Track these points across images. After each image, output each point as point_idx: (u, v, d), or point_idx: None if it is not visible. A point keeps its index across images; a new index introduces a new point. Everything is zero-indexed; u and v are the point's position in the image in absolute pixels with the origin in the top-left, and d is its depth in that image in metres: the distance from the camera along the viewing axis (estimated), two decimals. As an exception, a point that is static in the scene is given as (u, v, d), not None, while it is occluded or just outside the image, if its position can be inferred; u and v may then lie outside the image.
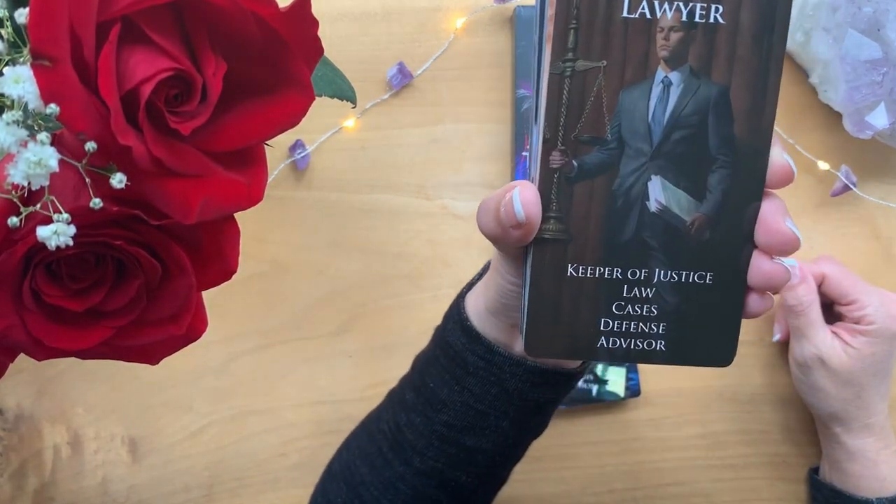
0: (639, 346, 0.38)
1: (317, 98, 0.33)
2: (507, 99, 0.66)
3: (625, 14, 0.34)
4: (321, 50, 0.32)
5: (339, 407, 0.66)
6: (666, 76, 0.35)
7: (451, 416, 0.46)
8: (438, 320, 0.49)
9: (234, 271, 0.34)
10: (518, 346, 0.44)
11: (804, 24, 0.62)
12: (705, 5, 0.34)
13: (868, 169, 0.67)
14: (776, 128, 0.35)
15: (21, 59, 0.27)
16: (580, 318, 0.37)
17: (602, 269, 0.37)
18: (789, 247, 0.35)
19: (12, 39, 0.28)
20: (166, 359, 0.36)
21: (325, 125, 0.65)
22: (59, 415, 0.65)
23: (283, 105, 0.32)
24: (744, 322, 0.37)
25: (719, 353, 0.38)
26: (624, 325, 0.37)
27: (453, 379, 0.46)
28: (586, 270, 0.37)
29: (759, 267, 0.36)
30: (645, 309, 0.37)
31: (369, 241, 0.66)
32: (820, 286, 0.62)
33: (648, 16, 0.34)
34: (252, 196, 0.33)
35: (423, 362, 0.49)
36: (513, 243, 0.37)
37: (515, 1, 0.64)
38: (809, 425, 0.67)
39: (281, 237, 0.66)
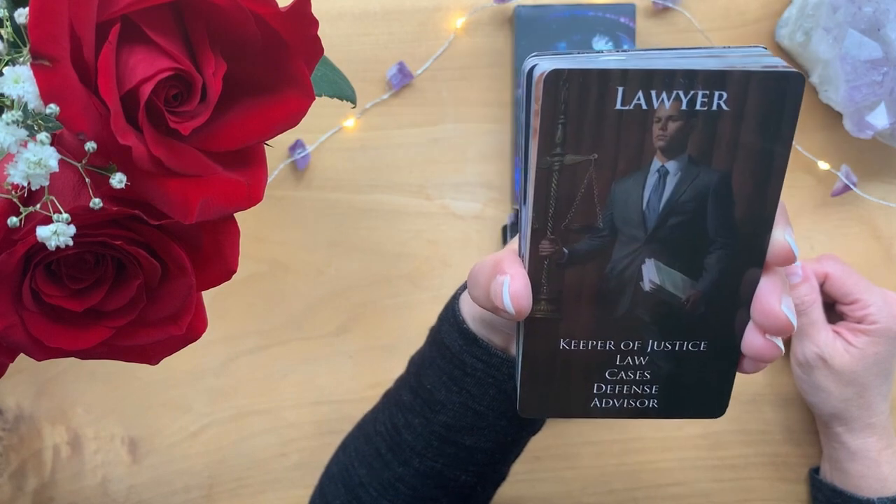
0: (632, 404, 0.38)
1: (317, 98, 0.33)
2: (507, 99, 0.66)
3: (618, 106, 0.32)
4: (321, 50, 0.32)
5: (339, 407, 0.66)
6: (662, 166, 0.33)
7: (450, 416, 0.46)
8: (438, 320, 0.49)
9: (234, 271, 0.34)
10: (513, 347, 0.44)
11: (804, 24, 0.62)
12: (707, 93, 0.31)
13: (868, 169, 0.67)
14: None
15: (21, 59, 0.27)
16: (573, 383, 0.37)
17: (595, 342, 0.36)
18: (782, 331, 0.35)
19: (12, 39, 0.28)
20: (166, 359, 0.35)
21: (325, 125, 0.65)
22: (59, 415, 0.65)
23: (283, 105, 0.32)
24: None
25: (712, 407, 0.38)
26: (617, 388, 0.37)
27: (451, 380, 0.46)
28: (578, 344, 0.36)
29: (752, 342, 0.36)
30: (638, 374, 0.37)
31: (369, 241, 0.66)
32: (822, 285, 0.62)
33: (644, 107, 0.32)
34: (252, 196, 0.32)
35: (419, 364, 0.49)
36: (503, 321, 0.37)
37: (515, 0, 0.64)
38: (810, 425, 0.67)
39: (281, 237, 0.66)
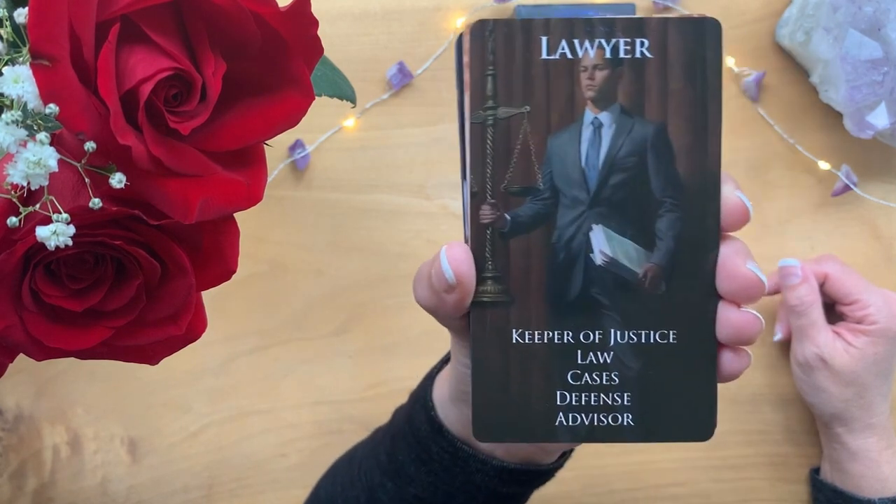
0: (603, 421, 0.34)
1: (317, 98, 0.33)
2: (508, 99, 0.65)
3: (544, 56, 0.32)
4: (321, 49, 0.32)
5: (338, 407, 0.66)
6: (595, 117, 0.32)
7: (420, 490, 0.45)
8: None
9: (234, 271, 0.34)
10: None
11: (805, 24, 0.62)
12: (629, 40, 0.32)
13: (869, 169, 0.67)
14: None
15: (20, 59, 0.27)
16: (532, 393, 0.34)
17: (550, 334, 0.33)
18: (753, 291, 0.32)
19: (12, 39, 0.28)
20: (166, 359, 0.35)
21: (324, 125, 0.65)
22: (59, 415, 0.65)
23: (282, 105, 0.32)
24: None
25: (697, 425, 0.34)
26: (584, 398, 0.34)
27: (420, 460, 0.44)
28: (533, 336, 0.34)
29: (727, 318, 0.33)
30: (605, 377, 0.34)
31: (369, 241, 0.66)
32: (822, 286, 0.62)
33: (569, 56, 0.32)
34: (252, 196, 0.32)
35: (397, 427, 0.47)
36: (451, 312, 0.34)
37: (515, 0, 0.64)
38: (810, 426, 0.67)
39: (281, 237, 0.66)
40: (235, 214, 0.33)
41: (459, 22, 0.65)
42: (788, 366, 0.65)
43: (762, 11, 0.66)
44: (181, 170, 0.30)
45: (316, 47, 0.32)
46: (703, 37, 0.32)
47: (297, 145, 0.65)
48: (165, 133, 0.30)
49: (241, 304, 0.66)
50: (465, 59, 0.32)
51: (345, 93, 0.49)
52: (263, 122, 0.32)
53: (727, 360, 0.33)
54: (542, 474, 0.44)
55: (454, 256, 0.33)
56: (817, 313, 0.61)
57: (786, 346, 0.66)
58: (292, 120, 0.33)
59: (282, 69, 0.32)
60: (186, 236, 0.33)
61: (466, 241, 0.34)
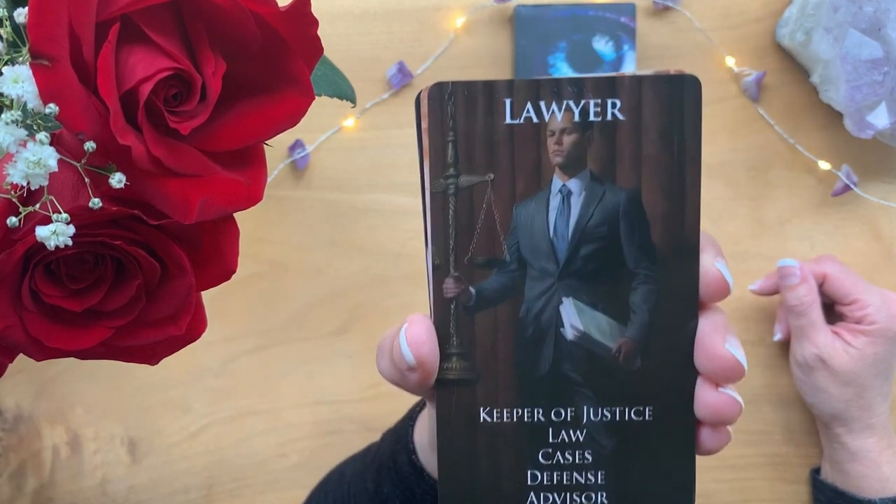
0: (576, 500, 0.32)
1: (316, 98, 0.33)
2: (508, 99, 0.65)
3: (508, 120, 0.30)
4: (321, 49, 0.32)
5: (338, 407, 0.66)
6: (564, 185, 0.31)
7: None
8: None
9: (234, 271, 0.34)
10: None
11: (805, 24, 0.62)
12: (599, 101, 0.30)
13: (869, 169, 0.67)
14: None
15: (20, 59, 0.27)
16: (502, 473, 0.32)
17: (520, 412, 0.32)
18: (732, 373, 0.31)
19: (11, 39, 0.28)
20: (166, 359, 0.35)
21: (324, 125, 0.65)
22: (59, 415, 0.65)
23: (282, 105, 0.32)
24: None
25: (674, 502, 0.32)
26: (556, 477, 0.32)
27: (404, 497, 0.44)
28: (502, 414, 0.32)
29: (704, 399, 0.31)
30: (578, 455, 0.32)
31: (369, 241, 0.66)
32: (821, 286, 0.62)
33: (535, 119, 0.30)
34: (252, 196, 0.32)
35: (381, 461, 0.46)
36: (415, 390, 0.32)
37: (515, 0, 0.64)
38: (810, 426, 0.67)
39: (280, 237, 0.66)
40: (235, 214, 0.33)
41: (459, 22, 0.65)
42: (788, 366, 0.65)
43: (762, 11, 0.66)
44: (181, 170, 0.30)
45: (316, 47, 0.32)
46: (680, 95, 0.30)
47: (297, 145, 0.65)
48: (165, 133, 0.30)
49: (241, 304, 0.66)
50: (424, 124, 0.31)
51: (345, 93, 0.49)
52: (263, 122, 0.32)
53: (706, 437, 0.32)
54: None
55: (414, 337, 0.31)
56: (816, 313, 0.61)
57: (785, 345, 0.66)
58: (292, 120, 0.33)
59: (282, 69, 0.32)
60: (186, 236, 0.33)
61: (431, 313, 0.32)
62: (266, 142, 0.33)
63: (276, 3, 0.30)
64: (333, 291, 0.66)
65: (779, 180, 0.67)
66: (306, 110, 0.33)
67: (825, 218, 0.67)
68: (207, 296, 0.36)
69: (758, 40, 0.66)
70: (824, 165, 0.66)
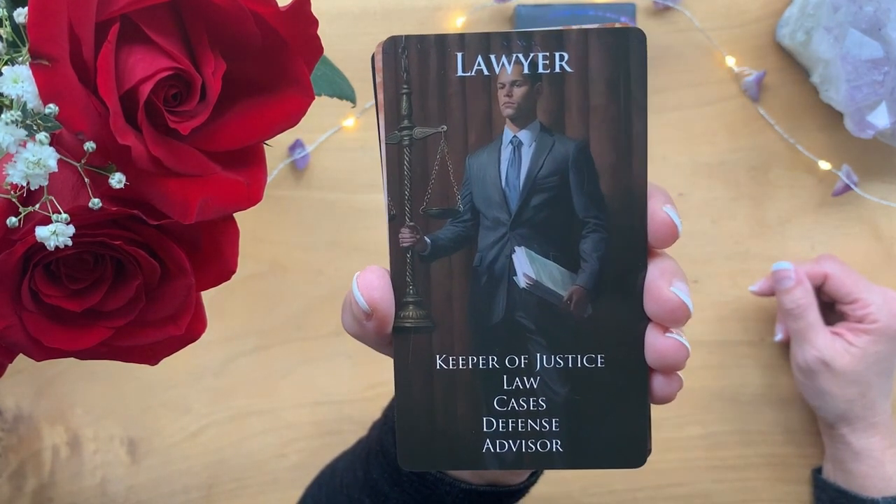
0: (531, 447, 0.33)
1: (316, 97, 0.33)
2: (508, 98, 0.65)
3: (460, 73, 0.31)
4: (321, 49, 0.32)
5: (338, 407, 0.66)
6: (514, 136, 0.31)
7: None
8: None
9: (234, 271, 0.34)
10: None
11: (805, 24, 0.62)
12: (548, 55, 0.31)
13: (869, 169, 0.67)
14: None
15: (20, 59, 0.27)
16: (458, 420, 0.33)
17: (475, 359, 0.33)
18: (678, 314, 0.31)
19: (11, 39, 0.28)
20: (165, 359, 0.35)
21: (324, 125, 0.65)
22: (58, 415, 0.65)
23: (282, 105, 0.32)
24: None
25: (628, 451, 0.33)
26: (511, 424, 0.33)
27: (392, 480, 0.44)
28: (457, 361, 0.33)
29: (653, 344, 0.31)
30: (532, 403, 0.33)
31: (369, 241, 0.66)
32: (822, 286, 0.62)
33: (486, 72, 0.31)
34: (251, 196, 0.32)
35: (369, 447, 0.47)
36: (373, 339, 0.33)
37: (515, 0, 0.64)
38: (810, 426, 0.67)
39: (280, 237, 0.66)
40: (235, 214, 0.33)
41: (459, 22, 0.65)
42: (788, 366, 0.65)
43: (762, 11, 0.66)
44: (181, 170, 0.30)
45: (316, 47, 0.32)
46: (625, 47, 0.31)
47: (296, 145, 0.65)
48: (165, 133, 0.30)
49: (241, 304, 0.66)
50: (378, 78, 0.31)
51: (345, 92, 0.49)
52: (263, 122, 0.32)
53: (658, 384, 0.32)
54: (513, 494, 0.43)
55: (366, 283, 0.32)
56: (814, 315, 0.61)
57: (785, 346, 0.66)
58: (292, 120, 0.33)
59: (282, 69, 0.32)
60: (186, 236, 0.33)
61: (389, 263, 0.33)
62: (266, 142, 0.33)
63: (276, 3, 0.30)
64: (333, 291, 0.66)
65: (779, 180, 0.66)
66: (306, 110, 0.33)
67: (825, 218, 0.67)
68: (207, 296, 0.36)
69: (758, 40, 0.66)
70: (824, 165, 0.66)
